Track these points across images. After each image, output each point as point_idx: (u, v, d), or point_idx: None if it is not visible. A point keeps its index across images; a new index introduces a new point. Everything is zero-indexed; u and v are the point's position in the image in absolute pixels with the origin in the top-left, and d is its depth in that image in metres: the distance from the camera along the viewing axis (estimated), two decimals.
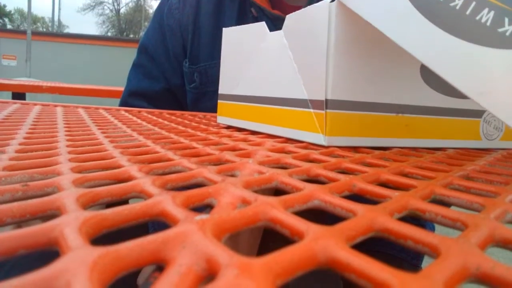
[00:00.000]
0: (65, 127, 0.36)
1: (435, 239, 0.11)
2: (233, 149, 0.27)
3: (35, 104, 0.62)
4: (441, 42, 0.24)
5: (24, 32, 10.01)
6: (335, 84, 0.29)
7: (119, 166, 0.20)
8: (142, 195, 0.16)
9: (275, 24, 0.59)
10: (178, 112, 0.62)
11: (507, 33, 0.23)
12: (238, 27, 0.42)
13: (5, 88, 2.10)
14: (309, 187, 0.17)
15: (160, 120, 0.48)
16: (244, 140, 0.32)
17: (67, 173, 0.18)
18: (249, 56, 0.39)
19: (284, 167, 0.23)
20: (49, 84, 2.09)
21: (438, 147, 0.34)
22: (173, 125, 0.43)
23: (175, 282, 0.09)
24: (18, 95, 2.12)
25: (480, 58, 0.23)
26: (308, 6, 0.31)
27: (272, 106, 0.35)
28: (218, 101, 0.44)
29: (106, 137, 0.31)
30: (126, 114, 0.54)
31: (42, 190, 0.16)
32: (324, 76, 0.29)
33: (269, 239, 0.34)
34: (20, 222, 0.13)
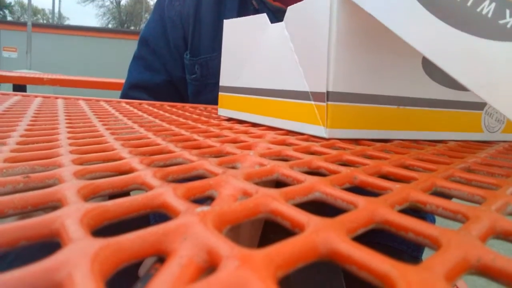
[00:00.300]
0: (66, 119, 0.36)
1: (436, 231, 0.11)
2: (234, 141, 0.27)
3: (36, 96, 0.62)
4: (442, 35, 0.24)
5: (24, 24, 9.98)
6: (337, 76, 0.29)
7: (120, 158, 0.20)
8: (143, 187, 0.16)
9: (276, 16, 0.59)
10: (179, 104, 0.62)
11: (508, 25, 0.22)
12: (239, 19, 0.41)
13: (6, 80, 2.10)
14: (310, 179, 0.17)
15: (161, 112, 0.48)
16: (245, 132, 0.32)
17: (68, 165, 0.18)
18: (250, 48, 0.39)
19: (285, 159, 0.23)
20: (50, 76, 2.09)
21: (439, 139, 0.34)
22: (174, 117, 0.43)
23: (176, 274, 0.09)
24: (19, 87, 2.12)
25: (481, 50, 0.23)
26: None
27: (273, 98, 0.35)
28: (219, 93, 0.44)
29: (107, 129, 0.30)
30: (127, 106, 0.54)
31: (43, 182, 0.16)
32: (325, 68, 0.29)
33: (270, 231, 0.34)
34: (22, 213, 0.13)
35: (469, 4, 0.23)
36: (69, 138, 0.25)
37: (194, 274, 0.09)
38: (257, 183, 0.16)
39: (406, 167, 0.21)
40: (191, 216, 0.12)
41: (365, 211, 0.13)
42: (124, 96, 0.73)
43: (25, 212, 0.13)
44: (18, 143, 0.23)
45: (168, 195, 0.14)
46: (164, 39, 0.70)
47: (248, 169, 0.18)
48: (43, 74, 2.63)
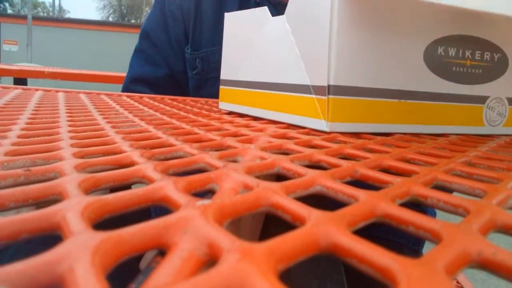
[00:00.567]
0: (67, 112, 0.35)
1: (436, 224, 0.11)
2: (235, 135, 0.27)
3: (37, 90, 0.61)
4: None
5: (25, 17, 9.95)
6: (338, 69, 0.29)
7: (121, 152, 0.20)
8: (144, 180, 0.16)
9: (277, 9, 0.58)
10: (180, 98, 0.62)
11: None
12: (240, 12, 0.41)
13: (7, 74, 2.10)
14: (311, 173, 0.17)
15: (161, 105, 0.48)
16: (246, 126, 0.32)
17: (69, 158, 0.18)
18: (251, 42, 0.39)
19: (286, 153, 0.23)
20: (50, 70, 2.09)
21: (441, 133, 0.34)
22: (174, 110, 0.43)
23: (177, 267, 0.09)
24: (20, 81, 2.12)
25: None
26: None
27: (274, 92, 0.35)
28: (220, 87, 0.44)
29: (108, 122, 0.30)
30: (128, 99, 0.54)
31: (44, 175, 0.16)
32: (326, 62, 0.29)
33: (271, 224, 0.34)
34: (23, 206, 0.13)
35: None
36: (70, 131, 0.25)
37: (195, 267, 0.09)
38: (258, 177, 0.16)
39: (407, 161, 0.21)
40: (192, 209, 0.12)
41: (366, 204, 0.13)
42: (125, 89, 0.73)
43: (26, 206, 0.13)
44: (19, 137, 0.23)
45: (169, 188, 0.14)
46: (165, 33, 0.70)
47: (249, 162, 0.18)
48: (44, 67, 2.63)
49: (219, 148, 0.23)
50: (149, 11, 0.78)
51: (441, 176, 0.17)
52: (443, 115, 0.33)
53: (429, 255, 0.10)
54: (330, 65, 0.29)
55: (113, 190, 0.14)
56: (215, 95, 0.58)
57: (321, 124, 0.30)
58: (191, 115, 0.38)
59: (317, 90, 0.30)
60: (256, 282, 0.08)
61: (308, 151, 0.22)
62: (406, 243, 0.60)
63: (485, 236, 0.11)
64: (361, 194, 0.14)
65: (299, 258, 0.10)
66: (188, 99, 0.61)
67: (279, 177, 0.17)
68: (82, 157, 0.18)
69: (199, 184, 0.15)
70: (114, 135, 0.24)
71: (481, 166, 0.21)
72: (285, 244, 0.10)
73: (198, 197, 0.13)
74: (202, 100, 0.60)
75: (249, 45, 0.39)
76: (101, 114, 0.36)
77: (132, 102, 0.51)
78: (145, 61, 0.72)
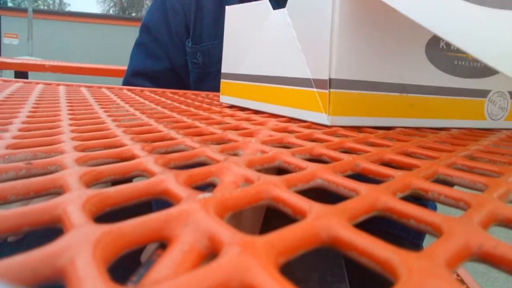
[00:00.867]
0: (67, 106, 0.35)
1: (437, 218, 0.11)
2: (236, 128, 0.27)
3: (38, 83, 0.61)
4: (448, 7, 0.23)
5: (25, 10, 9.92)
6: (339, 63, 0.29)
7: (122, 145, 0.20)
8: (145, 173, 0.16)
9: (278, 2, 0.58)
10: (180, 91, 0.62)
11: None
12: (241, 5, 0.41)
13: (8, 67, 2.09)
14: (312, 167, 0.17)
15: (162, 99, 0.48)
16: (247, 120, 0.32)
17: (70, 152, 0.18)
18: (252, 35, 0.38)
19: (287, 146, 0.22)
20: (51, 63, 2.08)
21: (442, 127, 0.34)
22: (175, 104, 0.42)
23: (178, 260, 0.09)
24: (21, 74, 2.12)
25: (487, 20, 0.22)
26: None
27: (275, 85, 0.35)
28: (221, 80, 0.44)
29: (109, 116, 0.30)
30: (129, 93, 0.54)
31: (45, 168, 0.16)
32: (328, 55, 0.29)
33: (272, 218, 0.34)
34: (24, 200, 0.13)
35: None
36: (71, 125, 0.25)
37: (195, 260, 0.09)
38: (259, 170, 0.16)
39: (409, 155, 0.21)
40: (193, 202, 0.12)
41: (367, 198, 0.13)
42: (126, 83, 0.73)
43: (27, 198, 0.13)
44: (20, 130, 0.23)
45: (170, 181, 0.14)
46: (165, 27, 0.70)
47: (250, 156, 0.18)
48: (45, 60, 2.62)
49: (220, 141, 0.23)
50: (149, 4, 0.78)
51: (442, 170, 0.17)
52: (444, 109, 0.33)
53: (430, 249, 0.10)
54: (331, 58, 0.29)
55: (114, 183, 0.14)
56: (216, 89, 0.58)
57: (322, 118, 0.30)
58: (192, 109, 0.38)
59: (318, 83, 0.30)
60: (257, 275, 0.08)
61: (309, 144, 0.22)
62: (407, 236, 0.60)
63: (486, 230, 0.11)
64: (362, 187, 0.14)
65: (300, 251, 0.10)
66: (189, 92, 0.61)
67: (280, 171, 0.17)
68: (83, 151, 0.18)
69: (200, 177, 0.15)
70: (115, 129, 0.24)
71: (482, 160, 0.21)
72: (286, 237, 0.10)
73: (199, 190, 0.13)
74: (203, 93, 0.60)
75: (250, 38, 0.39)
76: (102, 108, 0.36)
77: (133, 95, 0.51)
78: (146, 55, 0.72)
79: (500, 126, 0.36)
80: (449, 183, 0.17)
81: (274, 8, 0.36)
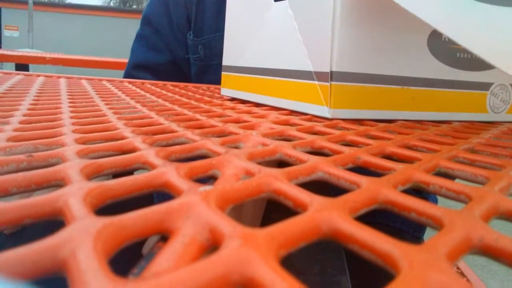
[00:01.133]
0: (68, 98, 0.35)
1: (438, 211, 0.11)
2: (237, 121, 0.27)
3: (39, 76, 0.61)
4: (448, 2, 0.23)
5: (25, 2, 9.88)
6: (340, 56, 0.29)
7: (122, 138, 0.20)
8: (146, 166, 0.16)
9: None
10: (181, 84, 0.62)
11: None
12: None
13: (8, 59, 2.09)
14: (313, 159, 0.17)
15: (163, 92, 0.48)
16: (248, 112, 0.32)
17: (71, 144, 0.18)
18: (253, 27, 0.38)
19: (288, 139, 0.22)
20: (52, 56, 2.08)
21: (444, 120, 0.34)
22: (176, 97, 0.42)
23: (179, 252, 0.09)
24: (21, 66, 2.11)
25: (491, 17, 0.22)
26: None
27: (277, 78, 0.35)
28: (222, 72, 0.44)
29: (110, 108, 0.30)
30: (130, 85, 0.54)
31: (46, 160, 0.16)
32: (329, 48, 0.29)
33: (273, 210, 0.34)
34: (25, 192, 0.13)
35: None
36: (72, 117, 0.25)
37: (196, 252, 0.09)
38: (259, 163, 0.16)
39: (410, 148, 0.21)
40: (194, 195, 0.12)
41: (368, 191, 0.13)
42: (127, 76, 0.73)
43: (28, 191, 0.13)
44: (21, 122, 0.23)
45: (171, 174, 0.14)
46: (167, 19, 0.69)
47: (251, 149, 0.18)
48: (45, 53, 2.62)
49: (221, 134, 0.23)
50: None
51: (444, 163, 0.17)
52: (446, 102, 0.33)
53: (431, 241, 0.10)
54: (332, 51, 0.29)
55: (115, 176, 0.14)
56: (217, 81, 0.58)
57: (323, 111, 0.30)
58: (193, 101, 0.38)
59: (320, 76, 0.30)
60: (257, 267, 0.08)
61: (310, 137, 0.22)
62: (407, 229, 0.60)
63: (487, 223, 0.11)
64: (363, 180, 0.14)
65: (300, 244, 0.10)
66: (190, 85, 0.61)
67: (281, 164, 0.17)
68: (84, 143, 0.18)
69: (201, 170, 0.15)
70: (116, 121, 0.24)
71: (484, 153, 0.21)
72: (286, 229, 0.10)
73: (200, 183, 0.13)
74: (204, 86, 0.60)
75: (251, 30, 0.39)
76: (103, 100, 0.36)
77: (134, 88, 0.51)
78: (147, 47, 0.72)
79: (502, 119, 0.36)
80: (450, 176, 0.17)
81: (275, 0, 0.36)
